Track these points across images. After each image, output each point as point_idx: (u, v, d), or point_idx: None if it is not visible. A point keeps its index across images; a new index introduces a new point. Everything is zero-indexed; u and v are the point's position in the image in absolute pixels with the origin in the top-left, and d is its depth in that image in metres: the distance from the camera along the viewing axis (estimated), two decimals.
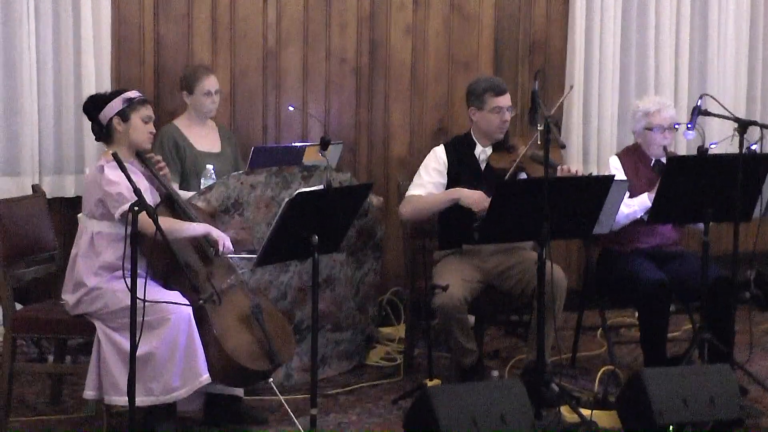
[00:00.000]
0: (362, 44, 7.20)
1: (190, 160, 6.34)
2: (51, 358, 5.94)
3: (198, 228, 5.05)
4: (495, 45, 7.51)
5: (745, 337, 6.68)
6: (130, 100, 5.10)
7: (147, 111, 5.15)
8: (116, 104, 5.09)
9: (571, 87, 7.18)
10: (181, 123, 6.45)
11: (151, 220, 4.44)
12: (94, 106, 5.17)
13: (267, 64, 7.01)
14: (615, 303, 6.87)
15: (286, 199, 4.70)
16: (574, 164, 7.36)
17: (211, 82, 6.42)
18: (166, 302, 4.81)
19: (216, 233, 5.05)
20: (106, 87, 6.39)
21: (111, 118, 5.09)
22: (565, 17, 7.60)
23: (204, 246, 5.10)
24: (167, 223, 4.91)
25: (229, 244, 5.05)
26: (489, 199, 5.47)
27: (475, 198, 5.73)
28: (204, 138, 6.47)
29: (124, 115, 5.09)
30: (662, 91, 7.69)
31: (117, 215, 4.93)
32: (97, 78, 6.51)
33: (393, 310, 7.12)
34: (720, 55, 7.96)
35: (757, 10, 8.12)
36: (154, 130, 5.25)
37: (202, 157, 6.34)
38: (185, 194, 5.73)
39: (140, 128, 5.11)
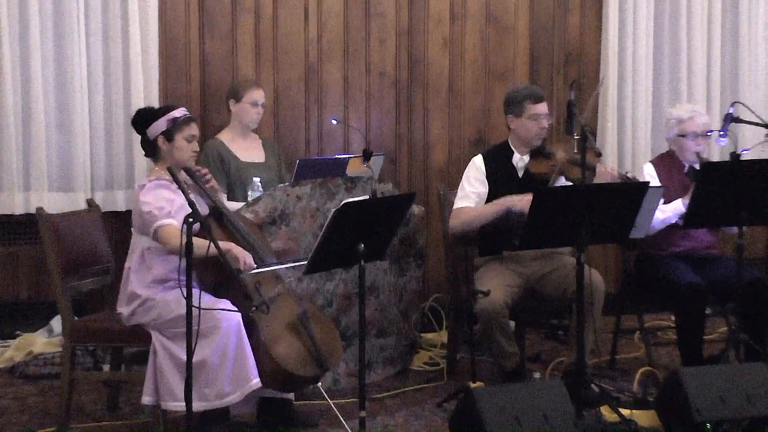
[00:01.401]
0: (401, 58, 7.40)
1: (235, 172, 6.51)
2: (105, 367, 6.13)
3: (222, 246, 5.17)
4: (530, 56, 7.69)
5: None
6: (174, 120, 5.27)
7: (191, 130, 5.31)
8: (161, 124, 5.27)
9: (601, 83, 7.29)
10: (224, 137, 6.63)
11: (176, 235, 4.65)
12: (141, 120, 5.36)
13: (309, 79, 7.22)
14: (652, 306, 6.99)
15: (333, 209, 4.85)
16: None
17: (259, 94, 6.61)
18: (219, 309, 4.97)
19: (237, 250, 5.13)
20: (154, 104, 6.55)
21: (156, 137, 5.28)
22: (598, 28, 7.77)
23: (252, 252, 5.25)
24: (197, 245, 5.06)
25: (250, 261, 5.14)
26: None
27: (525, 201, 5.81)
28: (248, 150, 6.64)
29: (168, 134, 5.26)
30: (695, 98, 7.83)
31: (151, 234, 5.13)
32: (145, 95, 6.74)
33: (434, 316, 7.27)
34: (751, 62, 8.10)
35: None
36: (198, 149, 5.40)
37: (246, 168, 6.51)
38: (234, 206, 5.91)
39: (184, 148, 5.28)
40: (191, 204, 4.56)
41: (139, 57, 6.74)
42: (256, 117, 6.64)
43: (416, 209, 6.49)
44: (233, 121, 6.66)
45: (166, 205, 5.09)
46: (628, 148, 7.80)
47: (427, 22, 7.43)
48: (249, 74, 7.04)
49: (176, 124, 5.27)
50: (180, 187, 4.68)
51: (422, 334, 7.08)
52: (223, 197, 6.27)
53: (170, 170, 4.77)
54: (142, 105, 6.51)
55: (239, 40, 7.07)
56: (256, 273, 5.18)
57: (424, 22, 7.43)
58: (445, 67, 7.50)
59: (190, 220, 4.50)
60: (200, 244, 4.78)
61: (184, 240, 4.44)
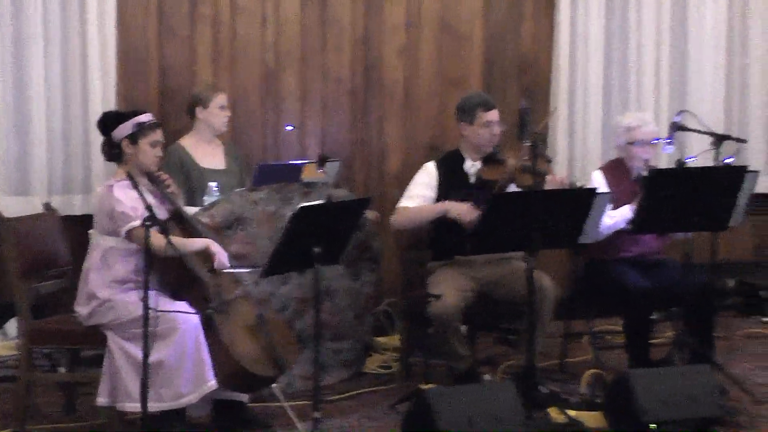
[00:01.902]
0: (357, 65, 7.50)
1: (196, 178, 6.56)
2: (62, 369, 6.18)
3: (197, 243, 5.29)
4: (485, 63, 7.81)
5: (728, 342, 7.02)
6: (140, 125, 5.34)
7: (156, 136, 5.39)
8: (127, 127, 5.34)
9: (555, 109, 7.44)
10: (186, 142, 6.69)
11: (159, 236, 4.72)
12: (108, 123, 5.42)
13: (266, 85, 7.31)
14: (602, 310, 7.11)
15: (290, 213, 4.95)
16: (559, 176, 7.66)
17: (223, 98, 6.68)
18: (176, 312, 5.06)
19: (215, 248, 5.28)
20: (112, 109, 6.64)
21: (121, 140, 5.35)
22: (551, 37, 7.90)
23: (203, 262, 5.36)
24: (177, 243, 5.19)
25: (225, 260, 5.29)
26: (476, 212, 5.76)
27: (462, 210, 5.99)
28: (209, 156, 6.70)
29: (133, 138, 5.33)
30: (644, 107, 7.98)
31: (123, 233, 5.20)
32: (103, 100, 6.78)
33: (388, 320, 7.37)
34: (698, 72, 8.24)
35: (733, 28, 8.39)
36: (161, 154, 5.48)
37: (207, 174, 6.56)
38: (190, 210, 5.99)
39: (147, 153, 5.35)
40: (149, 208, 4.68)
41: (97, 62, 6.77)
42: (224, 120, 6.71)
43: (371, 214, 6.58)
44: (199, 127, 6.70)
45: (138, 205, 5.15)
46: (578, 156, 7.94)
47: (383, 30, 7.54)
48: (207, 79, 7.10)
49: (142, 129, 5.34)
50: (138, 191, 4.77)
51: (376, 338, 7.18)
52: (182, 203, 6.36)
53: (129, 174, 4.86)
54: (99, 110, 6.55)
55: (197, 46, 7.14)
56: (228, 272, 5.33)
57: (380, 29, 7.53)
58: (400, 74, 7.61)
59: (148, 223, 4.61)
60: (183, 242, 4.93)
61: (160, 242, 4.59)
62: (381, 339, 7.24)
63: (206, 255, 5.27)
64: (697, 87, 8.26)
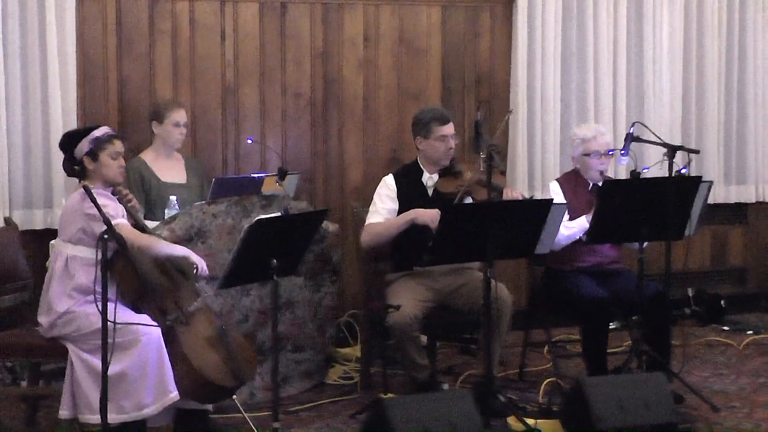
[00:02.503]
0: (316, 79, 7.56)
1: (155, 192, 6.61)
2: (23, 383, 6.20)
3: (178, 249, 5.39)
4: (442, 77, 7.87)
5: (686, 350, 7.10)
6: (96, 140, 5.40)
7: (115, 147, 5.44)
8: (84, 145, 5.40)
9: (511, 111, 7.49)
10: (147, 156, 6.73)
11: (133, 231, 4.92)
12: (68, 143, 5.48)
13: (226, 100, 7.36)
14: (560, 320, 7.19)
15: (246, 225, 5.00)
16: (519, 186, 7.75)
17: (180, 115, 6.72)
18: (136, 324, 5.11)
19: (195, 257, 5.38)
20: (73, 124, 6.69)
21: (82, 158, 5.40)
22: (508, 50, 7.97)
23: (171, 267, 5.40)
24: (150, 240, 5.31)
25: (205, 267, 5.38)
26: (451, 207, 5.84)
27: (431, 215, 6.02)
28: (170, 170, 6.75)
29: (92, 154, 5.39)
30: (601, 118, 8.07)
31: (65, 237, 5.34)
32: (63, 116, 6.81)
33: (350, 331, 7.41)
34: (655, 84, 8.34)
35: (690, 39, 8.49)
36: (124, 164, 5.54)
37: (167, 189, 6.60)
38: (151, 224, 6.03)
39: (110, 165, 5.41)
40: (107, 222, 4.70)
41: (57, 77, 6.80)
42: (179, 137, 6.76)
43: (331, 226, 6.65)
44: (156, 142, 6.76)
45: (114, 213, 5.22)
46: (537, 167, 8.00)
47: (342, 45, 7.60)
48: (166, 95, 7.14)
49: (99, 143, 5.39)
50: (97, 206, 4.80)
51: (338, 349, 7.22)
52: (141, 216, 6.40)
53: (86, 189, 4.89)
54: (60, 125, 6.65)
55: (156, 61, 7.18)
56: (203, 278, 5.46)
57: (338, 44, 7.59)
58: (359, 88, 7.67)
59: (105, 236, 4.65)
60: (163, 245, 5.18)
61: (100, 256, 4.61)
62: (343, 350, 7.28)
63: (189, 262, 5.35)
64: (654, 98, 8.35)
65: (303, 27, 7.51)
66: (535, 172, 8.02)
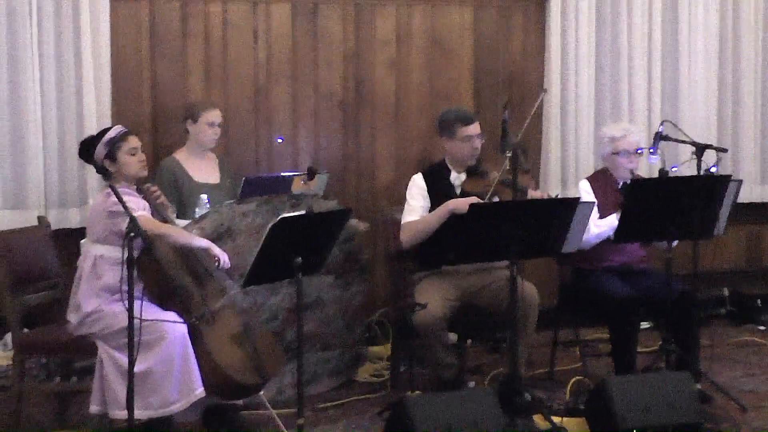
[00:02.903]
0: (348, 80, 7.61)
1: (188, 191, 6.67)
2: (57, 379, 6.30)
3: (201, 241, 5.45)
4: (474, 77, 7.91)
5: (718, 350, 7.09)
6: (110, 141, 5.48)
7: (130, 143, 5.53)
8: (101, 149, 5.49)
9: (545, 90, 7.46)
10: (180, 156, 6.80)
11: (152, 221, 5.04)
12: (84, 152, 5.58)
13: (258, 100, 7.42)
14: (589, 319, 7.19)
15: (270, 224, 5.05)
16: (553, 188, 7.76)
17: (215, 114, 6.79)
18: (162, 320, 5.18)
19: (217, 250, 5.43)
20: (107, 125, 6.74)
21: (102, 162, 5.49)
22: (541, 49, 7.99)
23: (198, 265, 5.47)
24: (174, 231, 5.39)
25: (227, 260, 5.43)
26: (481, 201, 5.90)
27: (469, 202, 6.03)
28: (202, 170, 6.82)
29: (111, 156, 5.48)
30: (636, 117, 8.07)
31: (92, 235, 5.43)
32: (98, 116, 6.89)
33: (382, 329, 7.45)
34: (690, 82, 8.32)
35: (726, 37, 8.48)
36: (144, 158, 5.60)
37: (200, 188, 6.66)
38: (181, 223, 6.11)
39: (130, 163, 5.50)
40: (132, 219, 4.76)
41: (91, 80, 6.89)
42: (213, 137, 6.82)
43: (361, 225, 6.69)
44: (190, 141, 6.83)
45: (138, 208, 5.30)
46: (571, 167, 8.01)
47: (373, 45, 7.64)
48: (199, 96, 7.22)
49: (113, 144, 5.47)
50: (123, 205, 4.87)
51: (369, 347, 7.26)
52: (173, 215, 6.48)
53: (112, 188, 4.96)
54: (94, 126, 6.71)
55: (189, 63, 7.26)
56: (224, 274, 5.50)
57: (370, 44, 7.64)
58: (391, 89, 7.71)
59: (131, 234, 4.71)
60: (187, 235, 5.36)
61: (126, 254, 4.67)
62: (374, 348, 7.33)
63: (212, 255, 5.42)
64: (689, 97, 8.33)
65: (334, 27, 7.56)
66: (568, 171, 8.03)
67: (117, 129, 5.58)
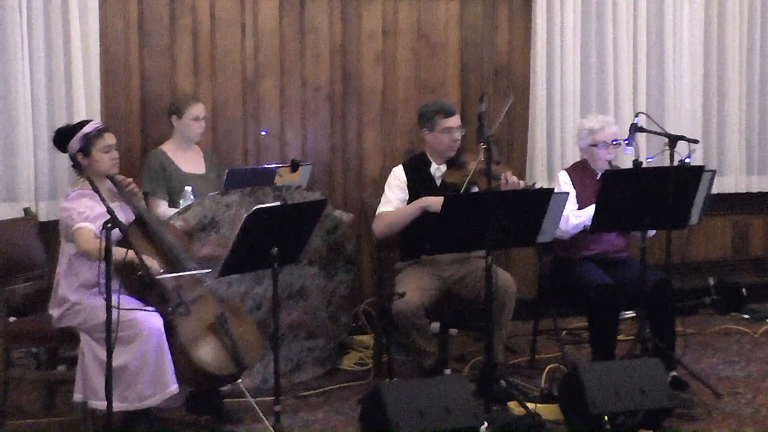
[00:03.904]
0: (335, 73, 7.71)
1: (176, 182, 6.76)
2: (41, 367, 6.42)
3: (126, 253, 5.20)
4: (461, 70, 8.00)
5: (701, 337, 7.19)
6: (86, 136, 5.56)
7: (105, 141, 5.60)
8: (75, 143, 5.57)
9: (512, 98, 7.52)
10: (167, 147, 6.90)
11: (88, 238, 5.15)
12: (59, 141, 5.66)
13: (246, 93, 7.52)
14: (569, 308, 7.29)
15: (245, 215, 5.16)
16: (538, 179, 7.85)
17: (199, 109, 6.89)
18: (140, 308, 5.28)
19: (145, 259, 5.25)
20: (96, 118, 6.86)
21: (75, 154, 5.59)
22: (527, 42, 8.09)
23: (172, 256, 5.55)
24: (92, 248, 5.35)
25: (156, 267, 5.36)
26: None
27: (441, 203, 6.18)
28: (189, 161, 6.92)
29: (85, 150, 5.57)
30: (621, 110, 8.18)
31: (70, 237, 5.48)
32: (87, 110, 6.99)
33: (368, 319, 7.55)
34: (676, 75, 8.43)
35: (710, 30, 8.58)
36: (117, 156, 5.67)
37: (187, 179, 6.77)
38: (170, 212, 6.22)
39: (102, 160, 5.58)
40: (110, 211, 4.86)
41: (80, 73, 6.99)
42: (198, 131, 6.92)
43: (345, 216, 6.80)
44: (175, 135, 6.92)
45: (86, 210, 5.39)
46: (557, 158, 8.09)
47: (361, 39, 7.74)
48: (187, 89, 7.32)
49: (89, 140, 5.56)
50: (99, 196, 4.99)
51: (355, 337, 7.38)
52: (164, 204, 6.59)
53: (89, 180, 5.08)
54: (84, 118, 6.77)
55: (177, 56, 7.35)
56: (166, 277, 5.42)
57: (357, 38, 7.74)
58: (378, 82, 7.81)
59: (109, 225, 4.81)
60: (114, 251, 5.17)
61: (104, 244, 4.76)
62: (360, 337, 7.43)
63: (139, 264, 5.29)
64: (674, 90, 8.42)
65: (322, 21, 7.65)
66: (554, 163, 8.11)
67: (94, 124, 5.66)
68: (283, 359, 6.35)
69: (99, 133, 5.60)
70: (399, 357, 6.73)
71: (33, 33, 6.95)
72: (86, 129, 5.60)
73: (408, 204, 6.38)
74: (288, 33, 7.58)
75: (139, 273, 5.17)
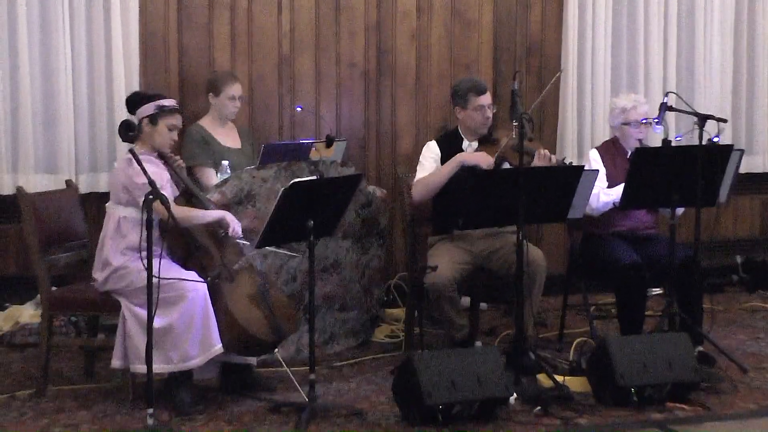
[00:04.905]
0: (370, 50, 7.82)
1: (217, 155, 6.88)
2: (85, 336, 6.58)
3: (213, 214, 5.67)
4: (494, 48, 8.10)
5: (728, 314, 7.27)
6: (162, 107, 5.73)
7: (174, 120, 5.77)
8: (149, 108, 5.73)
9: (561, 70, 7.62)
10: (204, 122, 7.03)
11: (164, 207, 5.10)
12: (134, 101, 5.82)
13: (282, 70, 7.64)
14: (598, 284, 7.39)
15: (282, 188, 5.29)
16: (570, 154, 7.95)
17: (236, 88, 7.01)
18: (182, 279, 5.44)
19: (229, 218, 5.66)
20: None
21: (142, 119, 5.74)
22: (559, 21, 8.19)
23: (217, 231, 5.72)
24: (185, 211, 5.59)
25: (238, 229, 5.67)
26: (491, 158, 6.18)
27: (477, 157, 6.32)
28: (226, 136, 7.05)
29: (153, 119, 5.72)
30: (651, 88, 8.25)
31: (116, 199, 5.67)
32: (126, 85, 7.14)
33: (400, 293, 7.69)
34: (706, 54, 8.49)
35: (741, 9, 8.64)
36: (177, 139, 5.84)
37: (225, 152, 6.91)
38: (213, 177, 6.40)
39: (164, 134, 5.74)
40: (152, 183, 5.01)
41: (120, 49, 7.13)
42: (233, 110, 7.04)
43: (378, 191, 6.92)
44: (212, 112, 7.04)
45: (157, 179, 5.52)
46: (587, 136, 8.19)
47: (395, 16, 7.85)
48: (224, 65, 7.44)
49: (163, 111, 5.72)
50: (142, 168, 5.13)
51: (388, 310, 7.52)
52: (213, 173, 6.73)
53: (132, 152, 5.22)
54: (123, 94, 6.88)
55: (215, 33, 7.48)
56: (239, 241, 5.73)
57: (391, 16, 7.84)
58: (412, 59, 7.92)
59: (150, 197, 4.96)
60: (198, 214, 5.53)
61: (145, 216, 4.93)
62: (392, 310, 7.57)
63: (223, 224, 5.65)
64: (704, 69, 8.49)
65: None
66: (584, 139, 8.21)
67: (172, 101, 5.83)
68: (317, 330, 6.48)
69: (173, 110, 5.78)
70: (430, 330, 6.86)
71: (74, 8, 7.10)
72: (164, 101, 5.77)
73: None
74: (324, 10, 7.70)
75: (223, 232, 5.58)
